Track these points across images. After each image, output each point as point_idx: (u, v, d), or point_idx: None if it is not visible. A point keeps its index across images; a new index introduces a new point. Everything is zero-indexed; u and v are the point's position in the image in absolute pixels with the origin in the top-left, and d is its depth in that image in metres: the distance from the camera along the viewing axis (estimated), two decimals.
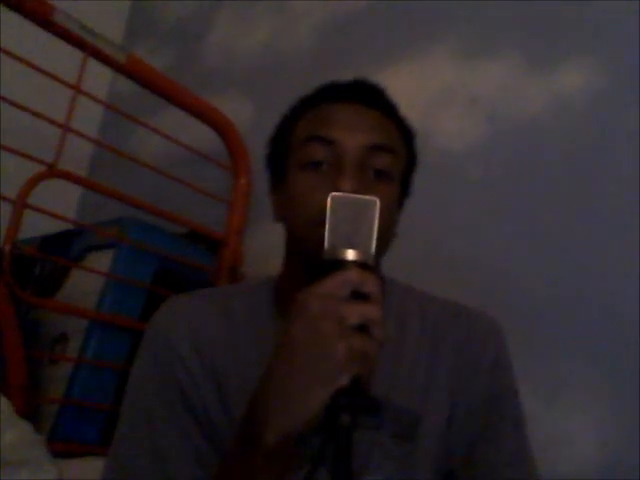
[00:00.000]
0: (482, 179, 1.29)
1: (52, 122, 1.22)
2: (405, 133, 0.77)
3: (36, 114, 1.20)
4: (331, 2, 1.68)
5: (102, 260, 1.30)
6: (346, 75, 0.77)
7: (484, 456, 0.71)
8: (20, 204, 1.13)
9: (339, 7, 1.66)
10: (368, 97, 0.75)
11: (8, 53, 1.18)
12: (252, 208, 1.52)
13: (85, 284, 1.30)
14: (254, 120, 1.69)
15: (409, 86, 1.44)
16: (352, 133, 0.70)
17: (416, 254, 1.20)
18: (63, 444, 1.15)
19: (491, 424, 0.72)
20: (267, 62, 1.79)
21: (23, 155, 1.16)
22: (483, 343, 0.75)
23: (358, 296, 0.54)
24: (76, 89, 1.24)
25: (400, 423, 0.69)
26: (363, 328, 0.53)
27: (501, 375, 0.75)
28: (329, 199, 0.59)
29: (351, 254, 0.57)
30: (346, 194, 0.61)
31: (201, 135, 1.56)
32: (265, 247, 1.51)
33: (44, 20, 1.20)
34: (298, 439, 0.53)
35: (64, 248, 1.38)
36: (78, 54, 1.25)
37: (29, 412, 1.09)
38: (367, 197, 0.59)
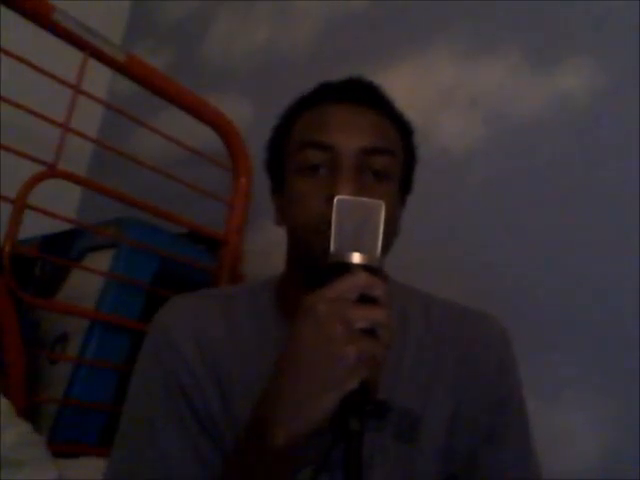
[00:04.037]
0: (482, 179, 1.29)
1: (52, 122, 1.21)
2: (403, 130, 0.77)
3: (36, 114, 1.19)
4: (331, 2, 1.68)
5: (102, 260, 1.30)
6: (346, 75, 0.77)
7: (488, 459, 0.71)
8: (20, 204, 1.13)
9: (339, 7, 1.66)
10: (363, 96, 0.74)
11: (8, 53, 1.18)
12: (252, 208, 1.52)
13: (85, 284, 1.29)
14: (254, 120, 1.69)
15: (409, 86, 1.44)
16: (348, 136, 0.69)
17: (416, 254, 1.20)
18: (63, 444, 1.14)
19: (495, 427, 0.72)
20: (267, 62, 1.79)
21: (23, 155, 1.15)
22: (488, 345, 0.75)
23: (366, 300, 0.54)
24: (76, 89, 1.24)
25: (401, 424, 0.69)
26: (371, 332, 0.53)
27: (506, 377, 0.74)
28: (335, 202, 0.59)
29: (357, 257, 0.57)
30: (351, 197, 0.60)
31: (201, 135, 1.56)
32: (265, 247, 1.51)
33: (44, 20, 1.20)
34: (306, 441, 0.53)
35: (64, 248, 1.38)
36: (78, 54, 1.25)
37: (29, 412, 1.08)
38: (372, 200, 0.59)
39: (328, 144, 0.69)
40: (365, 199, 0.60)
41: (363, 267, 0.56)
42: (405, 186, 0.77)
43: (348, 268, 0.56)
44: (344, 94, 0.74)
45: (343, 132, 0.70)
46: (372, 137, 0.70)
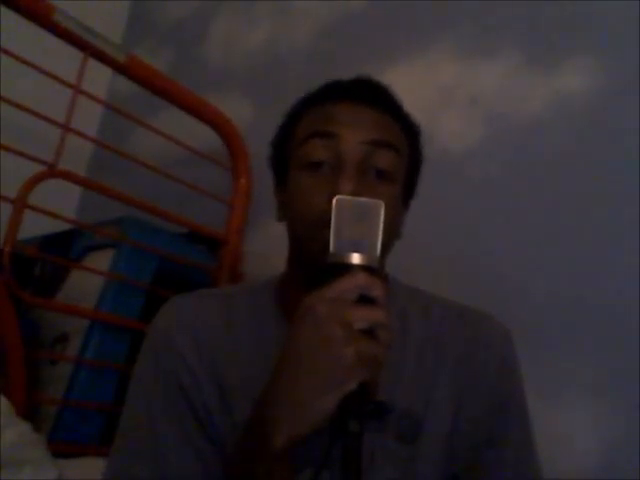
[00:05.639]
0: (482, 179, 1.29)
1: (52, 122, 1.22)
2: (409, 132, 0.76)
3: (36, 114, 1.20)
4: (331, 2, 1.68)
5: (102, 260, 1.30)
6: (346, 75, 0.77)
7: (489, 459, 0.70)
8: (20, 204, 1.13)
9: (339, 7, 1.66)
10: (370, 95, 0.74)
11: (8, 53, 1.18)
12: (252, 208, 1.51)
13: (85, 284, 1.29)
14: (254, 120, 1.69)
15: (409, 86, 1.44)
16: (353, 129, 0.69)
17: (416, 254, 1.20)
18: (63, 444, 1.14)
19: (497, 428, 0.72)
20: (267, 62, 1.79)
21: (23, 155, 1.16)
22: (488, 345, 0.74)
23: (365, 300, 0.54)
24: (76, 89, 1.24)
25: (403, 425, 0.69)
26: (370, 332, 0.53)
27: (508, 378, 0.74)
28: (334, 202, 0.58)
29: (356, 258, 0.57)
30: (351, 197, 0.60)
31: (201, 135, 1.56)
32: (265, 247, 1.51)
33: (44, 20, 1.20)
34: (304, 442, 0.53)
35: (64, 248, 1.38)
36: (78, 54, 1.25)
37: (29, 412, 1.08)
38: (372, 200, 0.59)
39: (333, 133, 0.69)
40: (364, 199, 0.60)
41: (362, 267, 0.56)
42: (409, 189, 0.77)
43: (347, 268, 0.56)
44: (351, 92, 0.74)
45: (348, 125, 0.69)
46: (377, 132, 0.70)
